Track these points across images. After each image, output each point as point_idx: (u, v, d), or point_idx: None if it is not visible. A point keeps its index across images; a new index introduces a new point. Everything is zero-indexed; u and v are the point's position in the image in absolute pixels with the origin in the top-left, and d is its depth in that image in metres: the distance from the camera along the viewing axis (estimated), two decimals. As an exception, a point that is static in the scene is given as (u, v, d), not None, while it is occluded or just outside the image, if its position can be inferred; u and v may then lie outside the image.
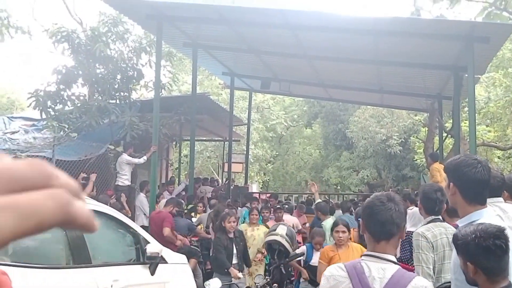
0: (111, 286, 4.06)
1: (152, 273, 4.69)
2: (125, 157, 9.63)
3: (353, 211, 8.99)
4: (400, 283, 2.13)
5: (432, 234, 3.27)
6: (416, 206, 7.10)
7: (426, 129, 14.14)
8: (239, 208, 10.11)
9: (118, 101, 10.98)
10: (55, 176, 0.36)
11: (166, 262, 5.02)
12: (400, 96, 13.79)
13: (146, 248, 4.72)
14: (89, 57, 10.55)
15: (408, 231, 4.24)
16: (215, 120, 14.76)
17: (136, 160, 9.66)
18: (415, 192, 11.71)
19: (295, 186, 28.35)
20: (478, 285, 2.20)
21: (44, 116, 10.33)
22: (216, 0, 9.62)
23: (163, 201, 9.11)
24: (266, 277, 5.48)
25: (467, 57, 8.44)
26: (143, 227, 6.49)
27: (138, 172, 11.54)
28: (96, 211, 4.46)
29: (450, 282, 2.55)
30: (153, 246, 4.79)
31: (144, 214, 9.32)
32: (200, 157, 21.56)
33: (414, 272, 2.99)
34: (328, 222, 7.28)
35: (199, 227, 9.08)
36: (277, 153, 27.07)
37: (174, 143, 16.08)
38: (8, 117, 13.12)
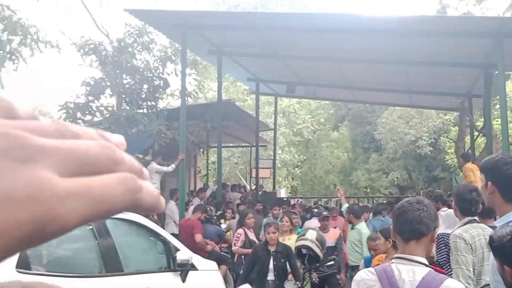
0: (143, 294, 4.10)
1: (183, 280, 4.71)
2: (154, 165, 9.74)
3: (385, 214, 8.83)
4: (431, 285, 2.09)
5: (470, 235, 3.18)
6: (449, 208, 6.95)
7: (457, 128, 13.85)
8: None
9: (145, 111, 11.15)
10: (123, 160, 0.35)
11: (196, 269, 5.03)
12: (429, 96, 13.56)
13: (176, 256, 4.74)
14: (116, 68, 10.76)
15: (443, 233, 4.14)
16: (242, 126, 14.80)
17: (165, 169, 9.76)
18: (448, 193, 11.46)
19: (324, 190, 28.13)
20: None
21: (74, 126, 10.54)
22: (239, 7, 9.67)
23: (191, 208, 9.16)
24: (297, 283, 5.44)
25: (496, 54, 8.26)
26: (173, 234, 6.54)
27: (167, 180, 11.66)
28: (126, 220, 4.52)
29: (489, 284, 2.47)
30: (184, 253, 4.82)
31: (174, 222, 9.39)
32: (227, 163, 21.65)
33: (445, 275, 2.92)
34: (362, 226, 7.17)
35: (228, 233, 9.09)
36: (304, 157, 26.93)
37: (201, 150, 16.19)
38: (40, 129, 13.45)
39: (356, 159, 26.83)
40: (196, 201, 10.90)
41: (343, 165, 27.80)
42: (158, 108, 11.51)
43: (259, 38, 10.08)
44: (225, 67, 12.11)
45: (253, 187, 15.20)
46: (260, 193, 14.27)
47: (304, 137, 26.10)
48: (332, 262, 5.47)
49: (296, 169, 26.51)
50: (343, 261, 7.31)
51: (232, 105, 13.14)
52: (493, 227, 2.93)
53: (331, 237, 6.87)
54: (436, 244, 3.81)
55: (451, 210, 4.79)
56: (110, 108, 11.19)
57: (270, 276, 5.65)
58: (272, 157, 16.32)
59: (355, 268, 6.21)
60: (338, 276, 7.18)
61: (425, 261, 2.18)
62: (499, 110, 8.96)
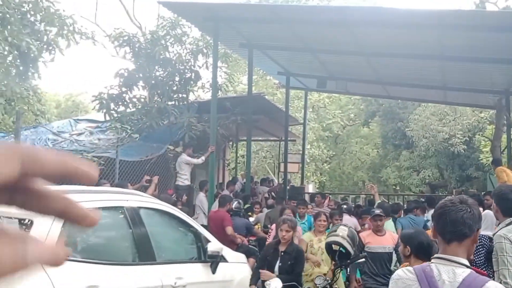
0: (175, 283, 4.13)
1: (213, 272, 4.73)
2: (184, 157, 9.83)
3: (418, 212, 8.66)
4: (471, 287, 2.02)
5: None
6: (484, 208, 6.76)
7: (493, 126, 13.46)
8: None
9: (176, 103, 11.24)
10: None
11: (226, 261, 5.05)
12: (464, 93, 13.21)
13: (207, 247, 4.77)
14: (149, 60, 10.87)
15: (480, 235, 4.02)
16: (271, 120, 14.77)
17: (195, 160, 9.83)
18: (482, 193, 11.18)
19: (352, 186, 27.87)
20: None
21: (107, 118, 10.74)
22: (270, 0, 9.63)
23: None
24: (327, 278, 5.39)
25: (538, 49, 7.95)
26: (203, 226, 6.58)
27: (196, 172, 11.75)
28: (159, 210, 4.56)
29: None
30: (214, 245, 4.84)
31: (204, 213, 9.46)
32: (256, 157, 21.66)
33: (487, 277, 2.83)
34: (388, 224, 7.04)
35: (256, 226, 9.10)
36: (333, 153, 26.71)
37: (231, 143, 16.24)
38: (74, 119, 13.77)
39: (386, 156, 26.45)
40: (226, 193, 10.94)
41: (373, 161, 27.46)
42: (189, 100, 11.59)
43: (290, 32, 10.00)
44: (256, 61, 12.09)
45: (281, 182, 15.17)
46: (288, 187, 14.23)
47: (333, 132, 25.89)
48: (363, 260, 5.39)
49: (325, 164, 26.33)
50: None
51: (262, 99, 13.12)
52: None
53: (387, 241, 5.77)
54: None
55: (489, 211, 4.65)
56: (142, 100, 11.32)
57: None
58: (301, 152, 16.25)
59: None
60: None
61: (466, 262, 2.11)
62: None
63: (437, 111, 21.23)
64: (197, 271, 4.62)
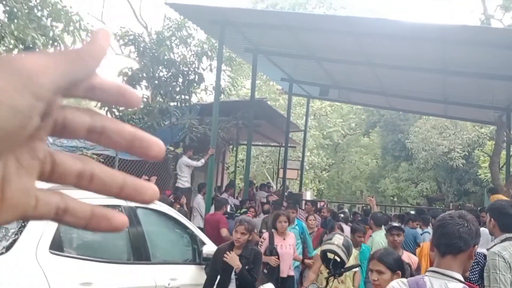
0: (168, 284, 4.15)
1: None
2: (185, 159, 9.84)
3: (414, 224, 8.68)
4: None
5: (510, 254, 3.07)
6: (480, 224, 6.76)
7: (492, 142, 13.49)
8: None
9: (179, 104, 11.27)
10: None
11: (221, 265, 5.06)
12: (465, 108, 13.23)
13: (202, 249, 4.78)
14: (153, 60, 10.90)
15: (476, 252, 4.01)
16: (272, 126, 14.80)
17: (195, 163, 9.84)
18: (478, 208, 11.18)
19: (350, 195, 27.86)
20: None
21: (110, 115, 10.75)
22: (278, 6, 9.67)
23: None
24: (320, 286, 5.40)
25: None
26: (199, 228, 6.59)
27: (195, 174, 11.76)
28: (156, 210, 4.58)
29: None
30: (209, 248, 4.85)
31: (201, 216, 9.47)
32: (255, 161, 21.68)
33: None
34: (378, 234, 7.02)
35: (252, 231, 9.11)
36: (333, 161, 26.73)
37: (231, 147, 16.26)
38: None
39: (385, 167, 26.47)
40: (224, 196, 10.95)
41: (371, 172, 27.47)
42: (191, 102, 11.62)
43: (296, 39, 10.04)
44: (260, 66, 12.12)
45: (279, 188, 15.17)
46: (286, 193, 14.24)
47: (333, 140, 25.91)
48: (358, 269, 5.40)
49: (324, 172, 26.34)
50: None
51: (264, 104, 13.15)
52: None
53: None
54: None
55: (484, 229, 4.64)
56: (144, 99, 11.35)
57: (232, 286, 4.38)
58: (301, 159, 16.25)
59: None
60: None
61: (460, 277, 2.13)
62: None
63: (437, 124, 21.27)
64: (191, 272, 4.64)
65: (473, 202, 20.77)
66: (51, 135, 0.37)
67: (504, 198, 8.41)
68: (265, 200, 12.32)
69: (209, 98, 13.87)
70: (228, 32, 9.62)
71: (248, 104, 11.50)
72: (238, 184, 17.63)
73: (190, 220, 7.95)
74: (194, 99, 12.21)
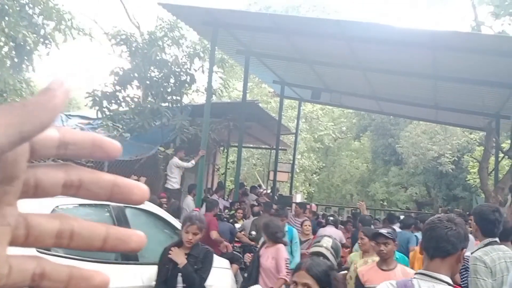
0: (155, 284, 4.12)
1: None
2: (175, 160, 9.82)
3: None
4: None
5: (491, 258, 3.10)
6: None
7: (482, 148, 13.60)
8: None
9: (170, 105, 11.24)
10: None
11: (209, 266, 5.04)
12: (455, 113, 13.34)
13: (191, 251, 4.76)
14: (145, 61, 10.87)
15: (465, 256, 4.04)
16: (263, 128, 14.80)
17: (185, 164, 9.82)
18: (467, 213, 11.26)
19: (340, 199, 27.95)
20: None
21: (99, 115, 10.71)
22: (271, 9, 9.69)
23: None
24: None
25: (530, 75, 8.07)
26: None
27: (185, 175, 11.73)
28: (145, 210, 4.56)
29: None
30: (198, 249, 4.83)
31: (190, 217, 9.44)
32: (246, 164, 21.67)
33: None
34: None
35: (241, 234, 9.09)
36: (323, 165, 26.81)
37: (222, 148, 16.24)
38: (65, 114, 13.68)
39: (375, 171, 26.61)
40: (214, 198, 10.93)
41: (362, 175, 27.59)
42: (182, 103, 11.59)
43: (288, 42, 10.07)
44: (252, 68, 12.13)
45: (269, 190, 15.18)
46: (276, 196, 14.24)
47: (324, 144, 25.98)
48: (346, 272, 5.41)
49: (314, 175, 26.41)
50: None
51: (256, 106, 13.15)
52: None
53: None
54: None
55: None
56: (136, 99, 11.31)
57: None
58: (291, 162, 16.28)
59: None
60: None
61: (448, 280, 2.13)
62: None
63: (428, 129, 21.42)
64: (179, 274, 4.61)
65: (462, 207, 20.93)
66: (22, 198, 0.35)
67: None
68: (255, 202, 12.31)
69: (200, 99, 13.87)
70: (220, 33, 9.62)
71: (240, 106, 11.50)
72: (229, 186, 17.61)
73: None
74: (185, 100, 12.20)
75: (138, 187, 0.38)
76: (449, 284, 2.13)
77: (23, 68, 10.81)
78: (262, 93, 22.73)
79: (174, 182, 9.77)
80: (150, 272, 4.16)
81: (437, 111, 13.67)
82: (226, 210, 11.10)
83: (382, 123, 24.60)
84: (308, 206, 12.97)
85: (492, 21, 15.18)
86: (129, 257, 4.00)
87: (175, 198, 9.62)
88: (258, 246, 6.42)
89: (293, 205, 11.96)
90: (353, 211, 13.96)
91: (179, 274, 3.93)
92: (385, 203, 25.55)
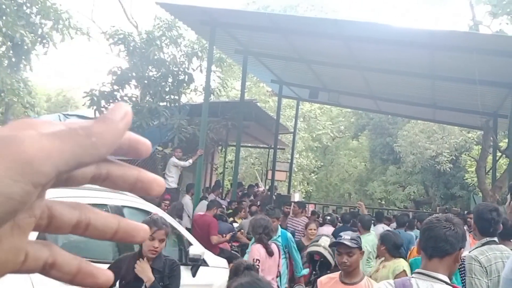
0: (154, 284, 4.11)
1: (193, 275, 4.73)
2: (173, 160, 9.82)
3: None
4: None
5: (486, 258, 3.11)
6: (468, 227, 6.83)
7: (479, 147, 13.63)
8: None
9: (168, 104, 11.23)
10: None
11: (207, 265, 5.05)
12: (453, 112, 13.36)
13: (189, 250, 4.76)
14: (143, 60, 10.86)
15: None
16: (261, 127, 14.81)
17: (182, 163, 9.82)
18: (465, 212, 11.28)
19: (338, 198, 27.97)
20: None
21: (97, 115, 10.69)
22: (269, 8, 9.69)
23: (201, 204, 9.14)
24: (307, 287, 5.40)
25: (528, 74, 8.09)
26: (187, 229, 6.57)
27: (184, 175, 11.72)
28: (143, 210, 4.55)
29: None
30: (196, 249, 4.84)
31: (189, 216, 9.44)
32: (244, 163, 21.67)
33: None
34: (364, 238, 7.01)
35: (239, 233, 9.09)
36: (321, 164, 26.81)
37: (220, 147, 16.24)
38: (63, 114, 13.67)
39: (373, 170, 26.62)
40: (211, 197, 10.93)
41: (360, 174, 27.61)
42: (180, 102, 11.59)
43: (286, 41, 10.07)
44: (250, 67, 12.13)
45: (267, 189, 15.18)
46: (274, 195, 14.24)
47: (322, 143, 25.99)
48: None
49: (312, 174, 26.42)
50: None
51: (254, 106, 13.16)
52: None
53: None
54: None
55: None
56: (134, 99, 11.30)
57: None
58: (289, 161, 16.28)
59: None
60: None
61: (446, 279, 2.15)
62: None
63: (425, 128, 21.44)
64: (177, 273, 4.61)
65: (460, 206, 20.96)
66: (55, 188, 0.36)
67: None
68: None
69: (198, 98, 13.85)
70: (218, 33, 9.61)
71: (238, 105, 11.50)
72: (227, 185, 17.60)
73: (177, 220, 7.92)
74: (183, 100, 12.19)
75: (157, 182, 0.39)
76: (447, 284, 2.15)
77: (21, 67, 10.80)
78: (260, 92, 22.73)
79: (171, 181, 9.77)
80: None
81: (435, 110, 13.69)
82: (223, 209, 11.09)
83: (380, 122, 24.62)
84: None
85: (489, 21, 15.20)
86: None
87: (173, 197, 9.62)
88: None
89: (292, 204, 11.97)
90: (351, 210, 13.96)
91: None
92: (383, 202, 25.57)
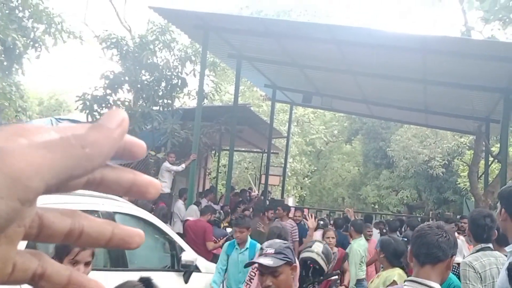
0: (145, 291, 4.07)
1: (186, 281, 4.69)
2: (166, 164, 9.78)
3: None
4: None
5: (481, 264, 3.12)
6: (462, 232, 6.85)
7: (472, 152, 13.69)
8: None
9: (161, 108, 11.20)
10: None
11: (200, 271, 5.01)
12: (446, 117, 13.43)
13: (181, 256, 4.73)
14: (136, 64, 10.83)
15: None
16: (255, 132, 14.80)
17: (174, 167, 9.78)
18: (458, 216, 11.32)
19: (332, 202, 27.99)
20: None
21: (90, 119, 10.64)
22: (262, 13, 9.70)
23: (190, 209, 9.10)
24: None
25: (519, 80, 8.14)
26: (179, 234, 6.52)
27: (177, 179, 11.68)
28: (134, 216, 4.51)
29: None
30: (188, 254, 4.80)
31: (181, 221, 9.40)
32: (237, 167, 21.64)
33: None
34: (356, 242, 7.02)
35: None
36: (315, 168, 26.84)
37: (213, 152, 16.21)
38: (55, 118, 13.58)
39: (366, 174, 26.67)
40: (204, 202, 10.88)
41: (353, 179, 27.66)
42: (174, 106, 11.56)
43: (279, 46, 10.08)
44: (244, 72, 12.13)
45: (260, 194, 15.15)
46: (268, 200, 14.21)
47: (316, 147, 26.03)
48: (336, 277, 5.39)
49: (306, 179, 26.43)
50: None
51: (248, 110, 13.15)
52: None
53: None
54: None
55: (459, 240, 4.71)
56: (126, 103, 11.26)
57: None
58: (283, 165, 16.28)
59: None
60: None
61: (438, 286, 2.14)
62: (516, 137, 8.83)
63: (418, 133, 21.52)
64: (169, 280, 4.58)
65: (453, 210, 21.05)
66: (26, 239, 0.34)
67: None
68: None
69: (192, 103, 13.81)
70: (212, 37, 9.61)
71: (231, 110, 11.49)
72: (220, 189, 17.56)
73: (169, 225, 7.88)
74: (176, 104, 12.16)
75: (153, 185, 0.38)
76: (438, 291, 2.14)
77: (13, 71, 10.73)
78: (253, 96, 22.74)
79: (164, 186, 9.72)
80: (139, 279, 4.12)
81: (427, 115, 13.74)
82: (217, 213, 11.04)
83: (373, 126, 24.69)
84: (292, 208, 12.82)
85: (482, 26, 15.30)
86: (118, 263, 3.96)
87: (166, 202, 9.57)
88: None
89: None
90: (344, 215, 13.96)
91: None
92: (376, 206, 25.62)
